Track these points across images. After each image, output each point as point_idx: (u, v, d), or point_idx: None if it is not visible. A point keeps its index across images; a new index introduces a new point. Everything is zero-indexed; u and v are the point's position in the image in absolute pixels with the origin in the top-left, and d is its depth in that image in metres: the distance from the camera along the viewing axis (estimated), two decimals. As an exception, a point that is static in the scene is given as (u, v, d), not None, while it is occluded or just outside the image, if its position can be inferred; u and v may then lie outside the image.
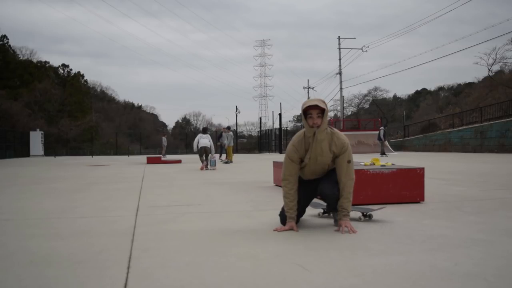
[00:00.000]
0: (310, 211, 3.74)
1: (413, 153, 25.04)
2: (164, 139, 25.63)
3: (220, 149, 18.65)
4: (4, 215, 3.78)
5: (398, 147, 29.97)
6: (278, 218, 3.45)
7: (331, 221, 3.21)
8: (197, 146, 11.92)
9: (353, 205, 3.05)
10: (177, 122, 74.53)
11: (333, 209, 3.07)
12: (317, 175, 3.07)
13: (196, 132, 37.96)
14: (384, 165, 4.32)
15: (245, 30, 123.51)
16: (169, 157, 22.10)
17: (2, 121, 31.88)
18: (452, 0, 40.38)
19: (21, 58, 48.30)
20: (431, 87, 64.68)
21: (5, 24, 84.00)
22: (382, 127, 21.47)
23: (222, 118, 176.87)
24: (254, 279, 1.87)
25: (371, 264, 2.06)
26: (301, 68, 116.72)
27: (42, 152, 30.37)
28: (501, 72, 36.11)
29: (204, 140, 11.99)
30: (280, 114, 36.61)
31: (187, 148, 35.70)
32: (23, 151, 28.98)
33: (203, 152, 11.97)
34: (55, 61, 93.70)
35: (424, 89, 65.55)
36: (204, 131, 12.58)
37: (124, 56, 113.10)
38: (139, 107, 76.01)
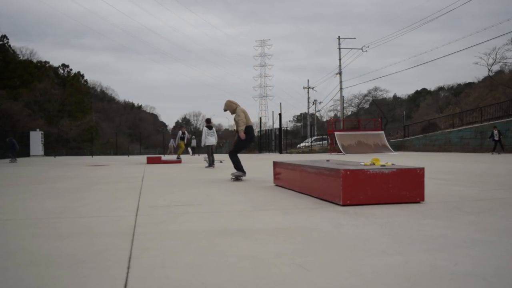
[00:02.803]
0: (309, 212, 3.74)
1: (413, 153, 25.05)
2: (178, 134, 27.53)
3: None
4: (4, 215, 3.78)
5: (398, 147, 29.98)
6: (278, 218, 3.46)
7: (331, 221, 3.22)
8: (205, 143, 12.05)
9: None
10: (177, 122, 74.58)
11: None
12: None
13: (196, 132, 37.93)
14: (384, 165, 4.32)
15: (245, 29, 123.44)
16: (170, 156, 22.13)
17: (2, 121, 31.89)
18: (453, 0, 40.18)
19: (21, 58, 48.32)
20: (431, 87, 64.74)
21: (24, 17, 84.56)
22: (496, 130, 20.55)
23: (222, 118, 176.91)
24: (254, 279, 1.87)
25: (371, 264, 2.06)
26: (301, 67, 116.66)
27: (42, 152, 30.40)
28: (501, 72, 36.15)
29: (211, 138, 12.07)
30: (280, 114, 36.59)
31: (187, 148, 35.66)
32: (23, 151, 28.98)
33: (211, 151, 12.05)
34: (74, 56, 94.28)
35: (424, 89, 65.60)
36: (208, 122, 12.64)
37: (119, 54, 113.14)
38: (139, 107, 76.06)
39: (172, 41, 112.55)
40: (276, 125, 39.13)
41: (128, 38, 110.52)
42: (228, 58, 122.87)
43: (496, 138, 20.22)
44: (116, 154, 35.31)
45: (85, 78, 55.56)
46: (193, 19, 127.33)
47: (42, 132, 31.36)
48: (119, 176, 8.97)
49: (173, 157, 18.74)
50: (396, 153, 24.74)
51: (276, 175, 6.16)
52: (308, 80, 55.90)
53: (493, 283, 1.78)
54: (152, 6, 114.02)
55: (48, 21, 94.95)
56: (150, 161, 15.70)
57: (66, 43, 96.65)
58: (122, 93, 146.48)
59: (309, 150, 36.23)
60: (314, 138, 45.91)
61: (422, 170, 4.13)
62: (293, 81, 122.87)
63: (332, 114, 56.19)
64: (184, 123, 71.56)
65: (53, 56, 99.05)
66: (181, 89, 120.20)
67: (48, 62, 50.51)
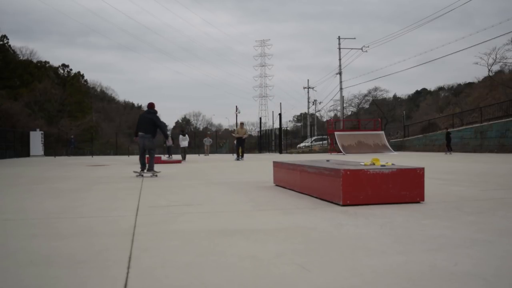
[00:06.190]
0: (309, 212, 3.74)
1: (413, 153, 25.04)
2: (208, 139, 29.35)
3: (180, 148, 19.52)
4: (4, 215, 3.78)
5: (398, 147, 29.98)
6: (278, 218, 3.47)
7: (331, 221, 3.22)
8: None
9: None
10: (177, 122, 74.59)
11: None
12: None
13: (196, 132, 37.99)
14: (384, 165, 4.32)
15: (253, 27, 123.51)
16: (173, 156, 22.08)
17: (2, 121, 31.86)
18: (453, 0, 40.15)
19: (21, 58, 48.30)
20: (431, 87, 64.75)
21: (28, 14, 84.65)
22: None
23: (222, 118, 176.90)
24: (254, 279, 1.87)
25: (371, 264, 2.06)
26: (308, 66, 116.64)
27: (42, 152, 30.37)
28: (501, 72, 36.12)
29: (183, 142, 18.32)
30: (280, 114, 36.58)
31: (188, 148, 35.65)
32: (23, 151, 28.97)
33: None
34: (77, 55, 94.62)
35: (424, 89, 65.64)
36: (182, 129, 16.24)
37: (121, 54, 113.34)
38: (139, 107, 76.04)
39: (173, 41, 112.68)
40: (276, 125, 39.13)
41: (130, 38, 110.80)
42: (230, 58, 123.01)
43: (446, 139, 22.25)
44: (116, 154, 35.30)
45: (85, 78, 55.60)
46: (199, 18, 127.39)
47: (42, 132, 31.32)
48: (119, 176, 8.97)
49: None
50: (396, 153, 24.73)
51: (276, 175, 6.16)
52: (308, 80, 55.87)
53: (493, 283, 1.78)
54: (159, 5, 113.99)
55: (53, 19, 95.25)
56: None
57: (71, 41, 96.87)
58: (122, 93, 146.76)
59: (309, 150, 36.24)
60: (314, 138, 45.95)
61: (422, 170, 4.13)
62: (293, 81, 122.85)
63: (332, 114, 56.24)
64: (184, 123, 71.55)
65: (57, 54, 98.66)
66: (181, 89, 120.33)
67: (48, 62, 50.48)
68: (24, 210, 4.13)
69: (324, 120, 57.72)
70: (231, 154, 31.59)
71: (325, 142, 39.04)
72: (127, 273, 1.97)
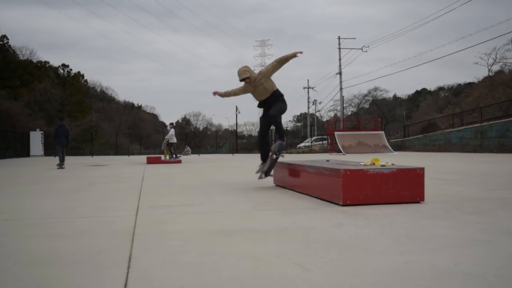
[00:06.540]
0: (309, 212, 3.74)
1: (413, 153, 25.04)
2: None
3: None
4: (3, 215, 3.77)
5: (398, 147, 29.98)
6: (278, 218, 3.46)
7: (331, 221, 3.21)
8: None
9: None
10: (177, 122, 74.62)
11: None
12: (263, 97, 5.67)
13: (196, 132, 37.99)
14: (384, 165, 4.32)
15: (245, 29, 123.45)
16: None
17: (2, 121, 31.85)
18: (452, 0, 40.15)
19: (21, 58, 48.31)
20: (431, 87, 64.76)
21: (45, 38, 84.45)
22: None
23: (222, 118, 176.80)
24: (254, 279, 1.87)
25: (371, 264, 2.06)
26: (301, 67, 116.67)
27: (42, 152, 30.38)
28: (501, 72, 36.13)
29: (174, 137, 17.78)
30: (280, 114, 36.41)
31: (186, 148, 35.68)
32: (23, 151, 28.99)
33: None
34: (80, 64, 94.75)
35: (424, 89, 65.71)
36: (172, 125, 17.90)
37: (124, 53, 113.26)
38: (139, 107, 76.11)
39: (171, 41, 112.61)
40: (276, 125, 39.04)
41: (129, 37, 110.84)
42: (226, 57, 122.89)
43: None
44: (116, 154, 35.32)
45: (85, 78, 55.61)
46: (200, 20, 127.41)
47: (42, 132, 31.31)
48: (119, 176, 8.97)
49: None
50: (396, 153, 24.74)
51: (276, 175, 6.15)
52: (308, 80, 55.88)
53: (493, 283, 1.77)
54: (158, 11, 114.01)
55: (52, 20, 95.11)
56: (150, 161, 15.70)
57: (70, 42, 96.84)
58: (122, 93, 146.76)
59: (309, 150, 36.25)
60: (314, 138, 45.98)
61: (422, 170, 4.13)
62: (293, 81, 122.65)
63: (332, 114, 56.26)
64: (184, 123, 71.52)
65: (56, 54, 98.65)
66: (182, 89, 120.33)
67: (48, 62, 50.48)
68: (23, 210, 4.12)
69: (324, 120, 57.75)
70: (231, 154, 31.54)
71: (325, 142, 39.08)
72: (127, 273, 1.97)
